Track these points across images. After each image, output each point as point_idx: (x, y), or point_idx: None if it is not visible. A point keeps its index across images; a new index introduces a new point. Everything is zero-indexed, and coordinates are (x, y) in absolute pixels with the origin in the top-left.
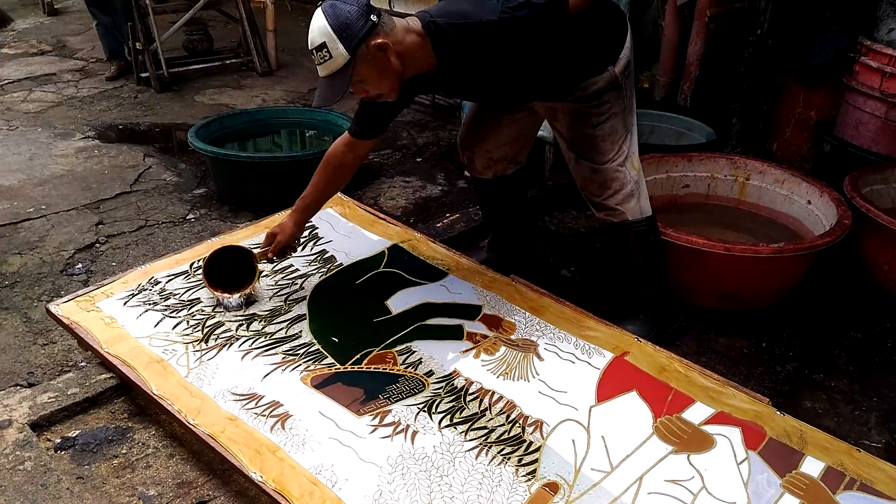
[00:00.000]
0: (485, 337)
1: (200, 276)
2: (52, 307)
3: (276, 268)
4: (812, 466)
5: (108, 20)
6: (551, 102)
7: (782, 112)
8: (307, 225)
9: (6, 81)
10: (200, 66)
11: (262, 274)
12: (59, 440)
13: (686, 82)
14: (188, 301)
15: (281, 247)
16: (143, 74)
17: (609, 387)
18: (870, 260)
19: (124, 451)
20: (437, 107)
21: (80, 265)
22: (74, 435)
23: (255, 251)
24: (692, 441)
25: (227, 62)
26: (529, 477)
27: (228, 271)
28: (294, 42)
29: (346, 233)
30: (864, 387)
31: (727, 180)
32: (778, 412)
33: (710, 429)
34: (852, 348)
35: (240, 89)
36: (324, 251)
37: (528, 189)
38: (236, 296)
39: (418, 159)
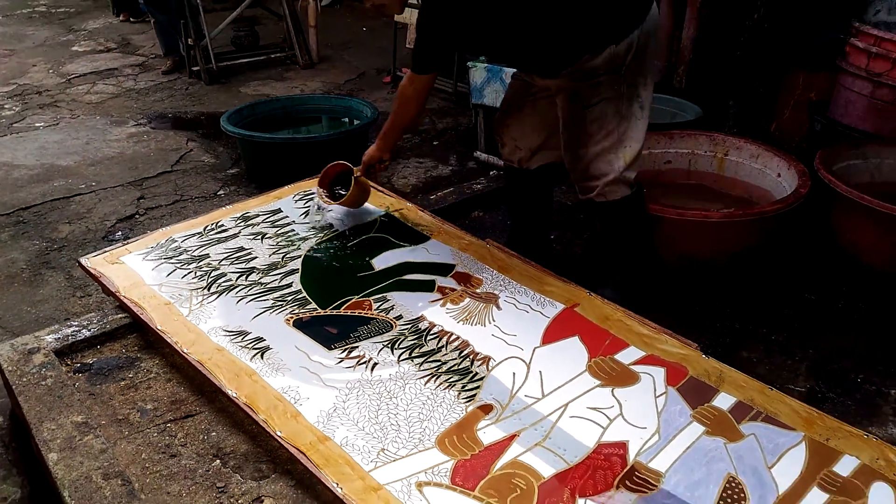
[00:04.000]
0: (453, 290)
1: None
2: (83, 260)
3: (279, 232)
4: (724, 401)
5: (165, 18)
6: (552, 77)
7: (782, 94)
8: (306, 197)
9: (73, 76)
10: (247, 59)
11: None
12: (77, 365)
13: (681, 65)
14: (198, 256)
15: (365, 165)
16: (195, 68)
17: (554, 332)
18: (837, 229)
19: (131, 376)
20: (459, 94)
21: (119, 232)
22: (91, 362)
23: (356, 168)
24: (619, 377)
25: (272, 56)
26: (469, 400)
27: (339, 183)
28: (336, 37)
29: None
30: (803, 340)
31: (706, 156)
32: (704, 356)
33: (637, 368)
34: (803, 308)
35: (282, 81)
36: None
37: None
38: (333, 206)
39: (435, 143)
